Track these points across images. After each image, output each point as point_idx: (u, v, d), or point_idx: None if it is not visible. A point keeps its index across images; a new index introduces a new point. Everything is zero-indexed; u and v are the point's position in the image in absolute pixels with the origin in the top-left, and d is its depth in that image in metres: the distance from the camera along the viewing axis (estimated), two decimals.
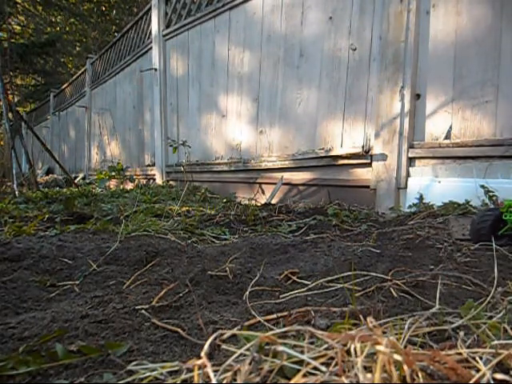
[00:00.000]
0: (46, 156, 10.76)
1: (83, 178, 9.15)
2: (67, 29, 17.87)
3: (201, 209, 3.11)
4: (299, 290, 1.12)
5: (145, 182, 6.31)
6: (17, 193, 4.12)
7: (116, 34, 12.70)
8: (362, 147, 2.99)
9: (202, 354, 0.57)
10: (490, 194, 2.22)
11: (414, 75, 2.75)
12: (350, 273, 1.19)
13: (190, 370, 0.58)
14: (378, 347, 0.52)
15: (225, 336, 0.73)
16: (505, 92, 2.37)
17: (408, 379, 0.50)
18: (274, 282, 1.24)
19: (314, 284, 1.18)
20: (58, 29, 17.77)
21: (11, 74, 13.51)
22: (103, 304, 1.00)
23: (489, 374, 0.52)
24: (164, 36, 5.67)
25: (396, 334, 0.68)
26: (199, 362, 0.55)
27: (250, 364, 0.53)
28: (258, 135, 4.17)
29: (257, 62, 4.15)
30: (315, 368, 0.54)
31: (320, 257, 1.51)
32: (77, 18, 16.71)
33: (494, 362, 0.55)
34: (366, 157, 3.00)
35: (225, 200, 3.89)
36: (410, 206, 2.55)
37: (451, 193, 2.41)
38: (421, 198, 2.57)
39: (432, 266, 1.33)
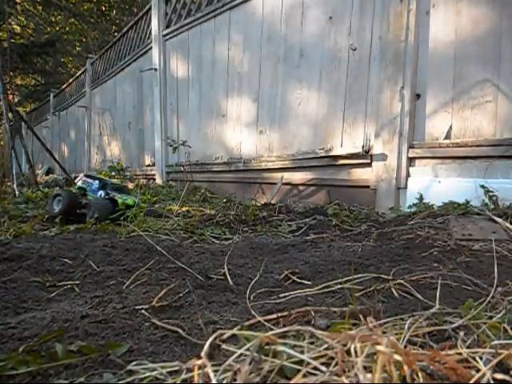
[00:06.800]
0: (45, 156, 10.74)
1: None
2: (67, 29, 17.86)
3: (201, 209, 3.11)
4: (299, 290, 1.12)
5: (145, 182, 6.31)
6: (17, 193, 4.11)
7: (116, 33, 12.69)
8: (362, 147, 2.99)
9: (202, 354, 0.57)
10: (490, 193, 2.22)
11: (414, 75, 2.75)
12: (349, 273, 1.19)
13: (190, 370, 0.58)
14: (378, 347, 0.52)
15: (225, 336, 0.73)
16: (505, 92, 2.37)
17: (408, 379, 0.50)
18: (274, 282, 1.24)
19: (313, 283, 1.18)
20: (58, 29, 17.76)
21: (11, 74, 13.51)
22: (103, 304, 1.00)
23: (489, 374, 0.52)
24: (164, 36, 5.66)
25: (396, 333, 0.68)
26: (199, 362, 0.55)
27: (250, 364, 0.53)
28: (258, 135, 4.17)
29: (257, 62, 4.15)
30: (315, 368, 0.54)
31: (320, 257, 1.51)
32: (77, 18, 16.69)
33: (494, 362, 0.55)
34: (365, 157, 3.00)
35: (225, 200, 3.88)
36: (409, 206, 2.55)
37: (451, 193, 2.41)
38: (421, 198, 2.57)
39: (432, 266, 1.33)
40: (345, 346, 0.56)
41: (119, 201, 2.46)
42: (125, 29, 7.37)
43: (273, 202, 3.66)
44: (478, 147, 2.44)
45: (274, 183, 3.83)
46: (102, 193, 2.56)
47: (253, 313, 0.94)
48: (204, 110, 5.02)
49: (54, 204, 2.48)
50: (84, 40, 18.12)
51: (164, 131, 5.75)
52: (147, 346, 0.78)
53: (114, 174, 5.81)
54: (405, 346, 0.64)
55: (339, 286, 1.12)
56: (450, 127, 2.60)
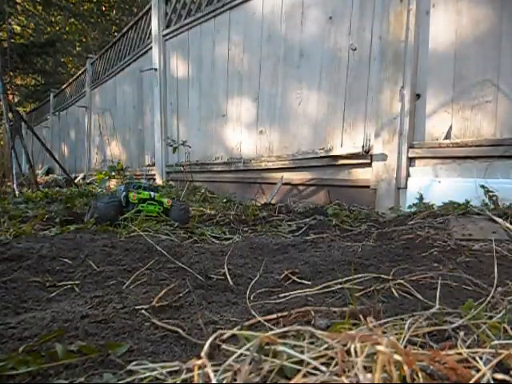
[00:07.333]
0: (46, 156, 10.75)
1: (83, 178, 9.15)
2: (67, 29, 17.85)
3: (201, 209, 3.11)
4: (299, 290, 1.12)
5: (145, 182, 6.31)
6: (17, 193, 4.12)
7: (116, 33, 12.68)
8: (362, 147, 2.99)
9: (202, 354, 0.57)
10: (490, 193, 2.22)
11: (414, 75, 2.75)
12: (349, 273, 1.19)
13: (190, 370, 0.58)
14: (378, 347, 0.52)
15: (225, 336, 0.73)
16: (505, 92, 2.37)
17: (408, 379, 0.50)
18: (274, 282, 1.24)
19: (313, 283, 1.18)
20: (58, 29, 17.76)
21: (11, 74, 13.50)
22: (103, 304, 1.00)
23: (489, 374, 0.52)
24: (164, 36, 5.67)
25: (396, 333, 0.68)
26: (199, 362, 0.55)
27: (250, 364, 0.53)
28: (258, 135, 4.17)
29: (257, 62, 4.15)
30: (315, 368, 0.54)
31: (320, 257, 1.51)
32: (77, 18, 16.69)
33: (494, 362, 0.55)
34: (365, 157, 3.00)
35: (225, 200, 3.89)
36: (410, 206, 2.55)
37: (451, 193, 2.41)
38: (421, 198, 2.57)
39: (432, 266, 1.33)
40: (345, 346, 0.56)
41: (130, 194, 2.39)
42: (125, 29, 7.37)
43: (273, 201, 3.66)
44: (478, 147, 2.44)
45: (274, 183, 3.83)
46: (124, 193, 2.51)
47: (253, 313, 0.94)
48: (204, 109, 5.02)
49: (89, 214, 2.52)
50: (84, 40, 18.11)
51: (164, 131, 5.75)
52: (147, 345, 0.78)
53: (113, 173, 5.80)
54: (405, 346, 0.64)
55: (339, 286, 1.12)
56: (450, 127, 2.60)
